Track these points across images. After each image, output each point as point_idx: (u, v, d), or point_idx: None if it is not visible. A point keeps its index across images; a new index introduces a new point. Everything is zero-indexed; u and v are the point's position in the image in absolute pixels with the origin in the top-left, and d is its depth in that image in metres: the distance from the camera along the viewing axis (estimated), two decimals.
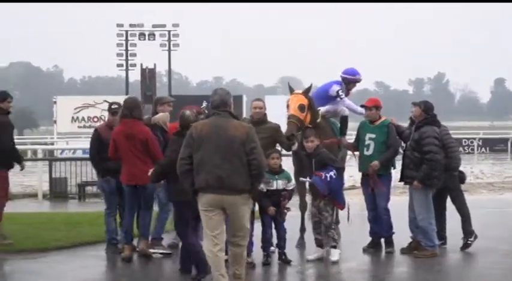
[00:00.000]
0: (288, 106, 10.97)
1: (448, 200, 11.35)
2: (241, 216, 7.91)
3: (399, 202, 12.53)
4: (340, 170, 10.50)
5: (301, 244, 11.39)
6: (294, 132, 10.65)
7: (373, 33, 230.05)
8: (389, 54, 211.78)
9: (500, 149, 45.12)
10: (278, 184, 10.10)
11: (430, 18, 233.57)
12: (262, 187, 9.62)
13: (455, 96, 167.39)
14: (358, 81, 12.06)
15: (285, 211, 10.19)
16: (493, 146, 45.43)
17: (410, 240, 10.96)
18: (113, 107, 11.36)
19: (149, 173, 9.61)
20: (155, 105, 11.37)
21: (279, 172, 10.18)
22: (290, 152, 11.21)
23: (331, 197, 10.28)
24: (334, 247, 10.37)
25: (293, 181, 10.39)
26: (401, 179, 11.04)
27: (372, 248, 11.11)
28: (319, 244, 10.46)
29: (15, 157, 11.65)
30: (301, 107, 10.85)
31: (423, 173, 10.52)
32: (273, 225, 10.20)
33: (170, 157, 9.03)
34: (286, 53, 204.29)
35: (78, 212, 15.37)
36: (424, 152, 10.54)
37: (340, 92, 11.60)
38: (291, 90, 11.17)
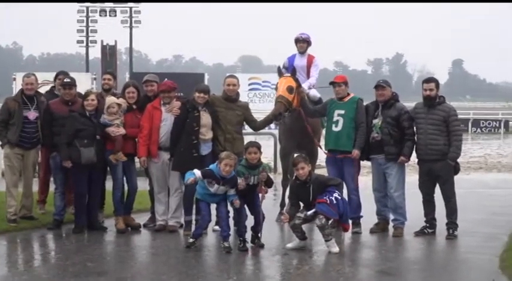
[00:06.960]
0: (276, 88, 11.46)
1: None
2: None
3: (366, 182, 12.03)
4: (340, 186, 10.14)
5: (280, 219, 11.41)
6: (281, 111, 11.10)
7: (332, 13, 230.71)
8: (348, 34, 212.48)
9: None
10: (254, 179, 9.92)
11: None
12: (240, 182, 9.68)
13: (413, 77, 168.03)
14: (300, 38, 12.26)
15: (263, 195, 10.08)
16: None
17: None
18: (65, 80, 11.24)
19: None
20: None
21: (257, 166, 9.92)
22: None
23: (341, 220, 9.90)
24: (329, 240, 9.72)
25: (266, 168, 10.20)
26: (366, 159, 11.09)
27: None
28: (301, 238, 10.00)
29: None
30: (289, 89, 11.22)
31: (409, 148, 10.80)
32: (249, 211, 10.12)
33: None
34: (246, 32, 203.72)
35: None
36: (405, 127, 10.78)
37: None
38: (280, 74, 11.55)
